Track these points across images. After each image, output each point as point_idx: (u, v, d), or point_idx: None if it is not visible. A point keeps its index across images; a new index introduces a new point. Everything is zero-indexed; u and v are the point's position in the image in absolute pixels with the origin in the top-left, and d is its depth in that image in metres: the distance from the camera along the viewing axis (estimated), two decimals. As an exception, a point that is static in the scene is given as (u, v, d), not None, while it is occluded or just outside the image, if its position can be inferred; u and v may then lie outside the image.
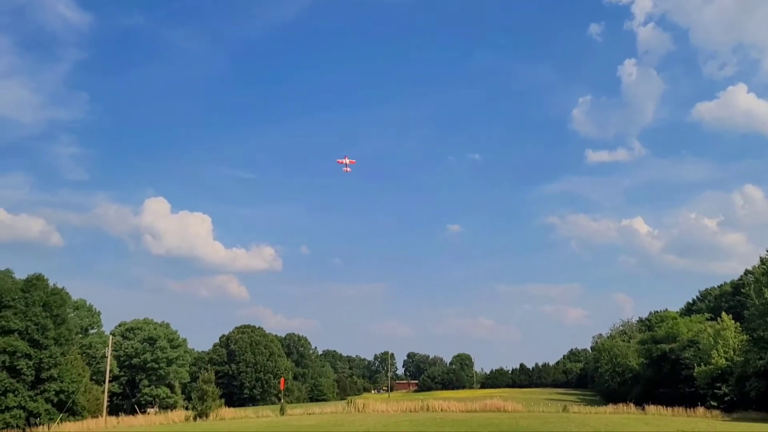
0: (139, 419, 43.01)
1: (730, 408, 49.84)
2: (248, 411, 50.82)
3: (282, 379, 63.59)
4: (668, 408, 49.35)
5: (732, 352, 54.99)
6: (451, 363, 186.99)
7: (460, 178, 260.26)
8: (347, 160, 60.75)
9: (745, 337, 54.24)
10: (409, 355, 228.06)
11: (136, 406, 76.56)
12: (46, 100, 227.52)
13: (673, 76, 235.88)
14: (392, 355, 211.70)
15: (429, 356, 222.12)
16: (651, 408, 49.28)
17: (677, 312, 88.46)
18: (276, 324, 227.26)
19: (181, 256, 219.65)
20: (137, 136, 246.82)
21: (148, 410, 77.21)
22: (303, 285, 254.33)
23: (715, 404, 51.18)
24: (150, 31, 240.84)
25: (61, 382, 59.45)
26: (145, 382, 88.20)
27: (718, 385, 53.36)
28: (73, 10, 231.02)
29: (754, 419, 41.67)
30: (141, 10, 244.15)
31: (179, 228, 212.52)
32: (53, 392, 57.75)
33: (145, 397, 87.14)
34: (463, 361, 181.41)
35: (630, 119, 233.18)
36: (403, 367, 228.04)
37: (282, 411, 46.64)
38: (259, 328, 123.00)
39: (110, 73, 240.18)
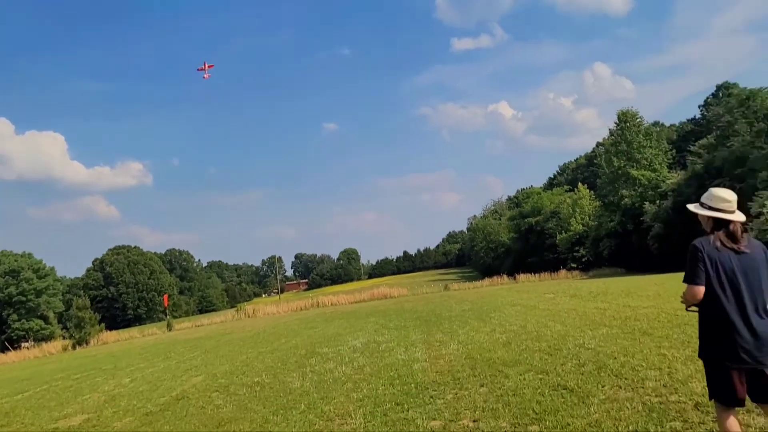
0: (10, 356, 40.28)
1: (587, 267, 55.58)
2: (133, 331, 49.30)
3: (165, 296, 61.88)
4: (536, 274, 53.99)
5: (587, 218, 60.70)
6: (338, 259, 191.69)
7: (331, 74, 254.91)
8: (206, 65, 57.18)
9: (597, 203, 59.95)
10: (297, 256, 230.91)
11: (7, 343, 71.78)
12: None
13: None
14: (279, 258, 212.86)
15: (317, 255, 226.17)
16: (521, 276, 53.66)
17: (541, 187, 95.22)
18: (155, 241, 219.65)
19: (36, 181, 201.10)
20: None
21: (24, 344, 72.83)
22: (179, 199, 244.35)
23: (575, 266, 56.74)
24: None
25: None
26: (14, 316, 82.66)
27: (577, 248, 59.02)
28: None
29: (607, 274, 46.92)
30: None
31: (29, 150, 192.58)
32: None
33: (16, 332, 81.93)
34: (349, 255, 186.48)
35: (491, 5, 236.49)
36: (292, 268, 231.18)
37: (169, 327, 45.69)
38: (135, 247, 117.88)
39: None
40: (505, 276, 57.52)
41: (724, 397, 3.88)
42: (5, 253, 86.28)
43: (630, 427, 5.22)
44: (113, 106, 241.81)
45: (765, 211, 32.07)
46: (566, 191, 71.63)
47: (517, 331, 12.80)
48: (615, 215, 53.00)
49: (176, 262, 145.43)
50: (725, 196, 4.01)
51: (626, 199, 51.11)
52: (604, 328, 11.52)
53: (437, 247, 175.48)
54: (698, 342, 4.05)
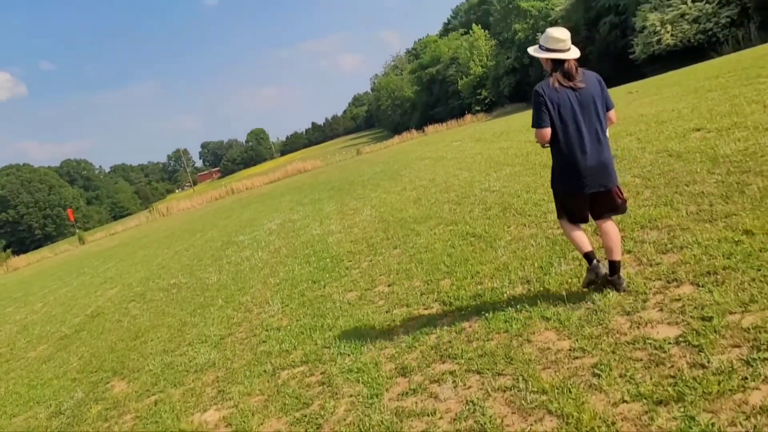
0: None
1: (490, 108, 56.56)
2: (44, 252, 47.12)
3: (69, 210, 58.71)
4: (443, 124, 54.64)
5: (486, 59, 60.75)
6: (247, 141, 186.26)
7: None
8: None
9: (493, 42, 59.77)
10: (203, 146, 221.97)
11: None
12: None
13: None
14: (185, 150, 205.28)
15: (224, 141, 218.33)
16: (429, 128, 54.16)
17: (437, 35, 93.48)
18: (49, 155, 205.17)
19: None
20: None
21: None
22: (62, 105, 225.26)
23: (479, 108, 57.66)
24: None
25: None
26: None
27: (479, 91, 59.59)
28: None
29: (509, 111, 48.07)
30: None
31: None
32: None
33: None
34: (258, 136, 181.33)
35: None
36: (200, 158, 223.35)
37: (81, 240, 43.86)
38: (25, 165, 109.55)
39: None
40: (414, 131, 57.87)
41: (570, 217, 4.36)
42: None
43: (535, 264, 5.36)
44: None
45: (647, 24, 32.99)
46: (462, 35, 70.67)
47: (426, 186, 12.92)
48: (511, 51, 53.23)
49: (76, 173, 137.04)
50: (559, 36, 4.09)
51: (520, 33, 51.12)
52: (507, 167, 11.75)
53: (344, 112, 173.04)
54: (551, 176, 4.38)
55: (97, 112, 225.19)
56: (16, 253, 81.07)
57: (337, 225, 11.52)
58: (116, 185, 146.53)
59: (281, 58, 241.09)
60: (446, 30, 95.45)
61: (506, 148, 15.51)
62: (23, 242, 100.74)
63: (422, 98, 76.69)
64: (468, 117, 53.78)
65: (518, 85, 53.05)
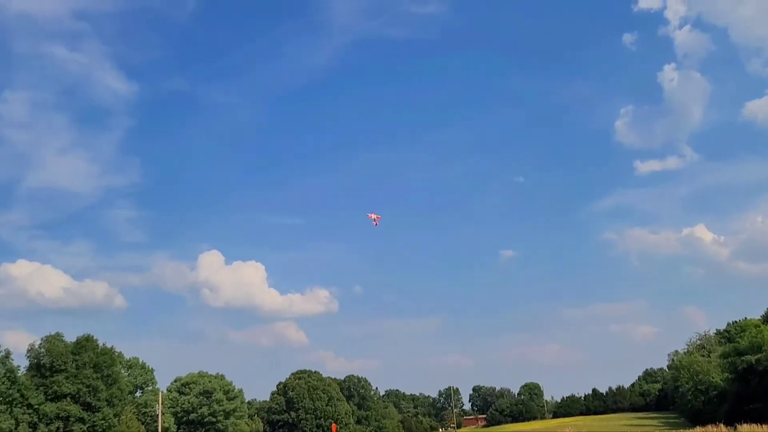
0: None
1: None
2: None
3: (333, 426, 60.60)
4: (763, 425, 44.07)
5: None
6: (519, 393, 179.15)
7: (506, 202, 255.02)
8: (374, 216, 62.64)
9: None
10: (474, 389, 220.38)
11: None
12: (102, 168, 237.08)
13: (718, 76, 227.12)
14: (456, 389, 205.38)
15: (496, 388, 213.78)
16: (744, 427, 44.26)
17: (759, 319, 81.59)
18: (338, 367, 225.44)
19: (239, 307, 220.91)
20: (188, 194, 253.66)
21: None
22: (360, 324, 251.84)
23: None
24: (192, 91, 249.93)
25: (116, 443, 58.58)
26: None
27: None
28: (121, 82, 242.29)
29: None
30: (181, 73, 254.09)
31: (235, 279, 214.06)
32: (109, 455, 56.91)
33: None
34: (531, 390, 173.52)
35: (677, 125, 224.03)
36: (469, 401, 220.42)
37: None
38: (315, 372, 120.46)
39: (158, 136, 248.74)
40: (721, 425, 48.02)
41: None
42: (202, 374, 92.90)
43: None
44: (304, 237, 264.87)
45: None
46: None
47: None
48: None
49: (354, 389, 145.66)
50: None
51: None
52: None
53: (632, 385, 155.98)
54: None
55: (385, 337, 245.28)
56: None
57: None
58: (386, 410, 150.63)
59: (569, 317, 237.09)
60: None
61: None
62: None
63: (734, 388, 65.10)
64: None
65: None
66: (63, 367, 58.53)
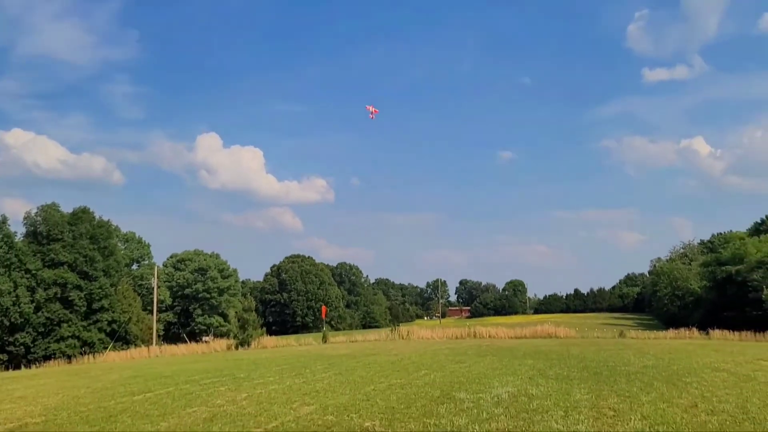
0: (181, 348, 43.00)
1: (805, 331, 45.91)
2: (290, 339, 50.32)
3: (323, 307, 62.76)
4: (734, 332, 45.75)
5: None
6: (503, 289, 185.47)
7: (510, 103, 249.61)
8: (372, 108, 61.43)
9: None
10: (461, 282, 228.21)
11: (184, 336, 78.37)
12: (98, 39, 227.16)
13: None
14: (444, 282, 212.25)
15: (482, 283, 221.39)
16: (715, 332, 45.77)
17: (745, 232, 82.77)
18: (331, 254, 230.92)
19: (236, 190, 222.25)
20: (188, 72, 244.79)
21: (204, 338, 78.94)
22: (355, 215, 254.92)
23: (788, 327, 47.26)
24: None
25: (113, 312, 60.61)
26: (198, 311, 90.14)
27: (791, 307, 49.27)
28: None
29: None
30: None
31: (232, 162, 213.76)
32: (105, 322, 58.99)
33: (199, 326, 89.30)
34: (516, 287, 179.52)
35: (690, 34, 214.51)
36: (455, 294, 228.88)
37: (324, 339, 45.71)
38: (308, 257, 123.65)
39: (160, 6, 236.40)
40: (694, 329, 49.63)
41: None
42: (197, 252, 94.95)
43: None
44: (305, 125, 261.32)
45: None
46: (781, 238, 60.86)
47: (733, 413, 9.06)
48: None
49: (346, 276, 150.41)
50: None
51: None
52: None
53: (613, 288, 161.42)
54: None
55: (379, 229, 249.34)
56: (277, 332, 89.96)
57: (588, 425, 8.45)
58: (375, 296, 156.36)
59: (560, 220, 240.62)
60: (757, 230, 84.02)
61: None
62: (285, 324, 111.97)
63: (711, 296, 66.95)
64: (772, 333, 44.08)
65: None
66: (60, 237, 59.32)
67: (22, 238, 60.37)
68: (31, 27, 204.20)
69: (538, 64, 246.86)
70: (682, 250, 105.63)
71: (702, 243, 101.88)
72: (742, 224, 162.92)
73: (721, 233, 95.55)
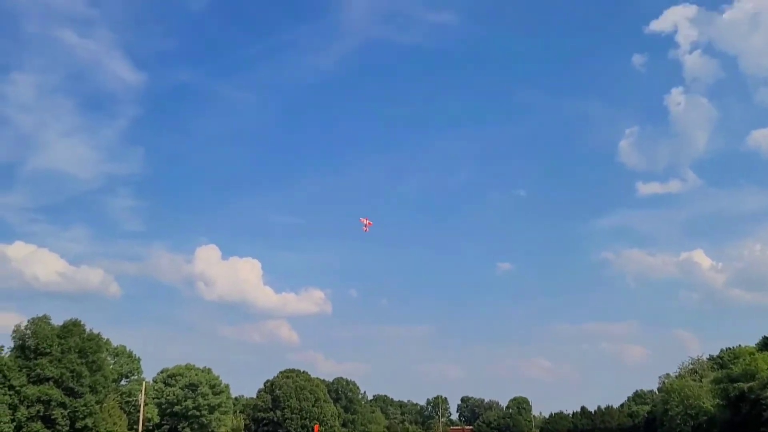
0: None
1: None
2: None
3: (316, 426, 59.81)
4: (753, 456, 43.23)
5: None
6: (507, 407, 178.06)
7: (506, 214, 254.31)
8: (366, 221, 63.04)
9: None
10: (463, 399, 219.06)
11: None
12: (104, 156, 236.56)
13: (724, 103, 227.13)
14: (445, 399, 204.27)
15: (484, 400, 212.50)
16: (733, 456, 43.23)
17: (754, 347, 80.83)
18: (327, 368, 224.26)
19: (233, 302, 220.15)
20: (190, 187, 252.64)
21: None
22: (353, 328, 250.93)
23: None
24: (199, 85, 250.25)
25: (97, 431, 57.80)
26: (188, 430, 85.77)
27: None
28: (129, 71, 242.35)
29: None
30: (190, 66, 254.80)
31: (230, 274, 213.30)
32: (88, 442, 56.15)
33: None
34: (520, 404, 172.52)
35: (681, 149, 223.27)
36: (457, 411, 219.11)
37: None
38: (304, 372, 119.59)
39: (164, 127, 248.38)
40: (711, 452, 46.98)
41: None
42: (189, 367, 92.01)
43: None
44: (302, 237, 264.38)
45: None
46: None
47: None
48: None
49: (342, 392, 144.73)
50: None
51: None
52: None
53: (621, 406, 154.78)
54: None
55: (377, 341, 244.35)
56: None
57: None
58: (373, 414, 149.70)
59: (561, 333, 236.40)
60: (766, 344, 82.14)
61: None
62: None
63: (725, 415, 64.39)
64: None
65: None
66: (48, 350, 57.82)
67: (9, 353, 58.90)
68: (43, 144, 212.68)
69: (533, 177, 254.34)
70: (690, 366, 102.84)
71: (711, 358, 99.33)
72: (748, 338, 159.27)
73: (730, 348, 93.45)
